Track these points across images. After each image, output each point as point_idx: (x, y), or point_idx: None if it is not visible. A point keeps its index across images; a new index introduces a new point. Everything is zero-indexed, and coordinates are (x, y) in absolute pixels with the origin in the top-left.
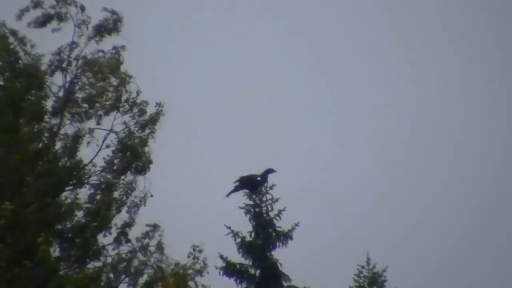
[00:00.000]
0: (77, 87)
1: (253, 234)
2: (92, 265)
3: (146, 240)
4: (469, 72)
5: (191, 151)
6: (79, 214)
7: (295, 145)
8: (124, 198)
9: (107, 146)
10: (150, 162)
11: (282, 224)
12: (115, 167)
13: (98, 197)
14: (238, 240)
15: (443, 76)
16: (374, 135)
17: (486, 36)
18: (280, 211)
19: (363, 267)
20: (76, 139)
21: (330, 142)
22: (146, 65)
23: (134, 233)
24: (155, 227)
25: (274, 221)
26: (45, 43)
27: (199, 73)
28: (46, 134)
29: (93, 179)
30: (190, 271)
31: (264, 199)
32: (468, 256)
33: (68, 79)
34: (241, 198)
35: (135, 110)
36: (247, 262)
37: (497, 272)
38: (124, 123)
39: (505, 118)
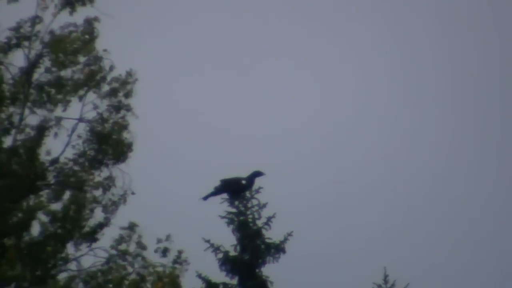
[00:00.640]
0: (41, 68)
1: (238, 248)
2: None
3: (123, 246)
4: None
5: (174, 141)
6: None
7: (289, 141)
8: (100, 197)
9: (79, 137)
10: (129, 149)
11: (273, 235)
12: (87, 162)
13: (66, 197)
14: (220, 255)
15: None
16: (378, 133)
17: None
18: (269, 219)
19: (379, 286)
20: (40, 131)
21: (325, 138)
22: (125, 42)
23: (110, 236)
24: (131, 227)
25: (263, 231)
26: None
27: (185, 51)
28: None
29: (62, 177)
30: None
31: (249, 205)
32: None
33: (30, 58)
34: (222, 205)
35: (107, 88)
36: (232, 281)
37: None
38: (95, 107)
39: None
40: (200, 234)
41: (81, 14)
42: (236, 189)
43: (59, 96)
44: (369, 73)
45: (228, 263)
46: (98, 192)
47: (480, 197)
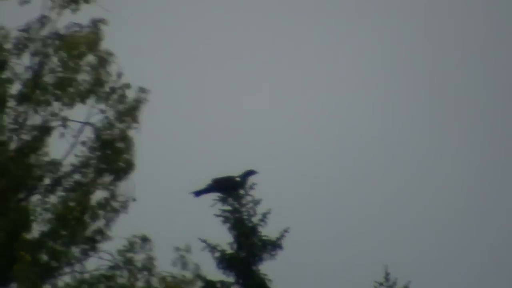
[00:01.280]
0: (47, 69)
1: (234, 246)
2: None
3: (130, 254)
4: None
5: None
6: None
7: (282, 137)
8: (102, 201)
9: (83, 143)
10: (133, 164)
11: (269, 231)
12: (91, 166)
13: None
14: (217, 254)
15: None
16: (376, 128)
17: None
18: (264, 215)
19: (381, 284)
20: (43, 131)
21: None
22: (128, 43)
23: (111, 244)
24: (144, 240)
25: (259, 227)
26: (12, 18)
27: (188, 53)
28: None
29: (66, 181)
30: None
31: (243, 201)
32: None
33: (36, 59)
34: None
35: (115, 96)
36: (229, 279)
37: None
38: (102, 111)
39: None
40: (197, 234)
41: (84, 12)
42: (230, 186)
43: (64, 98)
44: (366, 72)
45: (225, 261)
46: (101, 195)
47: (483, 194)
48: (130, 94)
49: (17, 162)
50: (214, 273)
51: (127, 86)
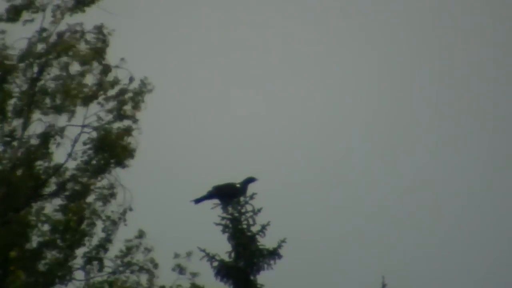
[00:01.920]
0: (47, 76)
1: (232, 255)
2: None
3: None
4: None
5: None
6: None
7: (283, 146)
8: (100, 209)
9: (84, 144)
10: (131, 155)
11: (267, 241)
12: (90, 168)
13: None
14: (215, 264)
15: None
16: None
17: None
18: (264, 227)
19: None
20: (43, 139)
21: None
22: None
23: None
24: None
25: (257, 238)
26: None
27: (187, 54)
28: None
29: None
30: None
31: (243, 210)
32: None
33: (35, 69)
34: (217, 212)
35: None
36: None
37: None
38: (99, 118)
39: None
40: (196, 242)
41: (87, 16)
42: (230, 193)
43: (65, 104)
44: (370, 77)
45: (223, 270)
46: (98, 203)
47: (481, 202)
48: (131, 98)
49: (16, 172)
50: (213, 283)
51: (126, 91)
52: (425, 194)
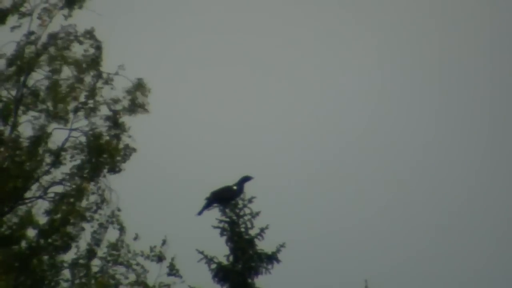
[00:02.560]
0: (37, 78)
1: (230, 258)
2: None
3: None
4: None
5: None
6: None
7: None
8: (88, 213)
9: (74, 149)
10: (123, 160)
11: (265, 245)
12: (79, 172)
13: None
14: (213, 266)
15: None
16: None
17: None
18: (262, 230)
19: None
20: (32, 142)
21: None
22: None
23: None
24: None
25: (256, 241)
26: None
27: (186, 56)
28: None
29: (53, 189)
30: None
31: (241, 213)
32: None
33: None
34: (215, 214)
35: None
36: None
37: None
38: (90, 122)
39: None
40: (194, 244)
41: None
42: (228, 196)
43: (54, 107)
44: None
45: (221, 273)
46: (88, 208)
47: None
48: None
49: (2, 174)
50: (211, 285)
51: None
52: (430, 197)
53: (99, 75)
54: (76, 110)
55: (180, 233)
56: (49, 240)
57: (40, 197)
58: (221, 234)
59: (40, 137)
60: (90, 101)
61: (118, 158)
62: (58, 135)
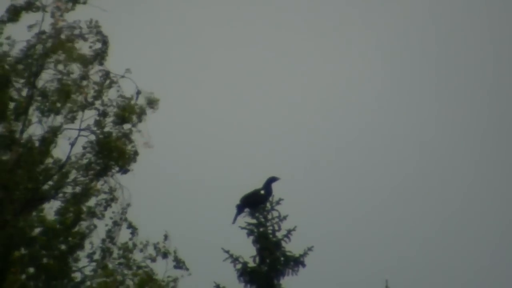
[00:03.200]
0: (46, 78)
1: (257, 259)
2: None
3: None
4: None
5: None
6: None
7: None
8: (100, 210)
9: (84, 148)
10: (133, 159)
11: (292, 247)
12: (90, 172)
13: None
14: (239, 266)
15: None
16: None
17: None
18: (289, 231)
19: None
20: (42, 142)
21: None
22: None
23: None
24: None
25: (282, 243)
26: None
27: (181, 57)
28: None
29: (64, 189)
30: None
31: (269, 216)
32: None
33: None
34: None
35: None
36: None
37: None
38: (99, 121)
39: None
40: (219, 244)
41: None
42: (257, 200)
43: (64, 107)
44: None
45: (247, 274)
46: (99, 207)
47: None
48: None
49: (15, 175)
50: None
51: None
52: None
53: (106, 75)
54: (84, 107)
55: (183, 230)
56: (61, 239)
57: (51, 197)
58: (249, 235)
59: (51, 137)
60: (98, 101)
61: (128, 157)
62: (68, 135)
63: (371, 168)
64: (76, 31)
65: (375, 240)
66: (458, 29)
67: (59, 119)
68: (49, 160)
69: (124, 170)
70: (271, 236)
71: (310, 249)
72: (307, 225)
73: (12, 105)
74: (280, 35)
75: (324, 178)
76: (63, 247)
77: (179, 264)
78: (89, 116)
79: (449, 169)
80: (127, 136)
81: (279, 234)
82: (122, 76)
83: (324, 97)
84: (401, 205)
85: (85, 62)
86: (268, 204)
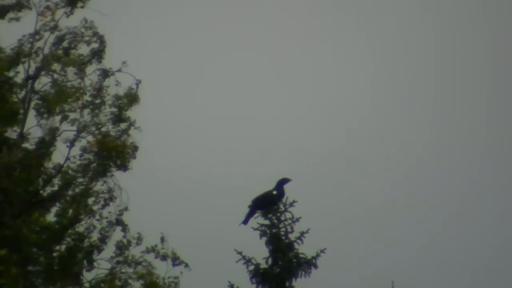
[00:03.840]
0: (44, 80)
1: (269, 261)
2: None
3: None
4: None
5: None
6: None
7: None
8: (98, 211)
9: (83, 149)
10: (132, 157)
11: (305, 249)
12: (89, 172)
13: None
14: (251, 268)
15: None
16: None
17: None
18: (302, 234)
19: None
20: (41, 145)
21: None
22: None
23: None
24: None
25: (295, 245)
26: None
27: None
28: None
29: (63, 191)
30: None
31: (282, 218)
32: None
33: (31, 72)
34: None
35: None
36: None
37: None
38: (96, 122)
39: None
40: (232, 245)
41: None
42: (269, 202)
43: (61, 108)
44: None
45: (259, 275)
46: (97, 207)
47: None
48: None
49: (13, 177)
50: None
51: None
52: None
53: (104, 74)
54: (82, 108)
55: (184, 229)
56: (60, 241)
57: (50, 199)
58: (261, 236)
59: (49, 139)
60: (97, 100)
61: (127, 155)
62: (66, 136)
63: (380, 171)
64: (78, 38)
65: (381, 242)
66: (457, 29)
67: (57, 121)
68: (48, 163)
69: (123, 168)
70: (283, 237)
71: (322, 251)
72: (316, 226)
73: (8, 107)
74: (280, 34)
75: (328, 180)
76: (62, 248)
77: (176, 262)
78: (87, 116)
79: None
80: (125, 132)
81: (291, 236)
82: (119, 70)
83: (332, 95)
84: (408, 207)
85: (82, 62)
86: (281, 206)
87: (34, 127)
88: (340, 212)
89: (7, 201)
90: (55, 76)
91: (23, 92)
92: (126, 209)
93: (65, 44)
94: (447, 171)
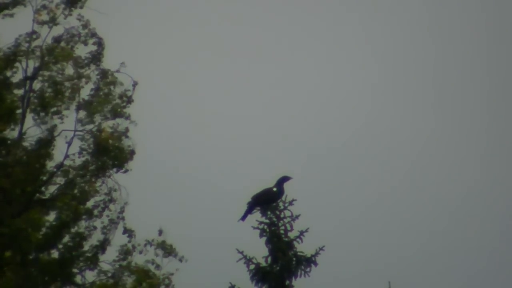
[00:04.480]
0: (42, 80)
1: (269, 260)
2: None
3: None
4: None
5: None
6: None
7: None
8: (97, 211)
9: (81, 149)
10: (130, 156)
11: (304, 247)
12: (88, 172)
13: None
14: (252, 267)
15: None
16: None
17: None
18: (302, 233)
19: None
20: (39, 144)
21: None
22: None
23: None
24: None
25: (295, 243)
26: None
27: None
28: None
29: (62, 190)
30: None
31: (282, 215)
32: None
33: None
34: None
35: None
36: None
37: None
38: (93, 121)
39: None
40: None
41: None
42: (269, 199)
43: (59, 108)
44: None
45: (259, 274)
46: (96, 204)
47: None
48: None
49: (12, 177)
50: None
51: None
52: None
53: (103, 74)
54: (79, 108)
55: (183, 229)
56: (60, 240)
57: (49, 199)
58: (261, 235)
59: (47, 139)
60: (94, 99)
61: (124, 158)
62: (64, 136)
63: (380, 170)
64: (75, 37)
65: (379, 241)
66: (456, 29)
67: (55, 120)
68: (47, 162)
69: (121, 169)
70: (283, 236)
71: (321, 248)
72: (315, 225)
73: (7, 106)
74: (280, 34)
75: (325, 177)
76: (62, 248)
77: (167, 251)
78: (84, 117)
79: (456, 168)
80: (124, 133)
81: (291, 234)
82: (117, 71)
83: (333, 95)
84: (406, 206)
85: (80, 63)
86: (280, 204)
87: (32, 126)
88: (340, 212)
89: (6, 200)
90: (53, 75)
91: (21, 91)
92: (126, 203)
93: (63, 43)
94: (447, 171)
